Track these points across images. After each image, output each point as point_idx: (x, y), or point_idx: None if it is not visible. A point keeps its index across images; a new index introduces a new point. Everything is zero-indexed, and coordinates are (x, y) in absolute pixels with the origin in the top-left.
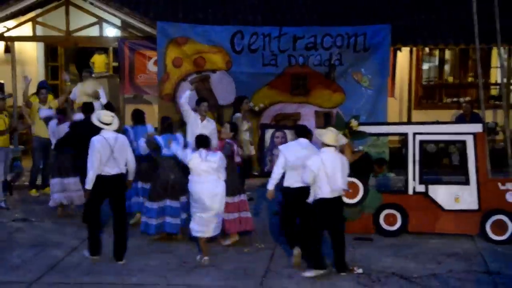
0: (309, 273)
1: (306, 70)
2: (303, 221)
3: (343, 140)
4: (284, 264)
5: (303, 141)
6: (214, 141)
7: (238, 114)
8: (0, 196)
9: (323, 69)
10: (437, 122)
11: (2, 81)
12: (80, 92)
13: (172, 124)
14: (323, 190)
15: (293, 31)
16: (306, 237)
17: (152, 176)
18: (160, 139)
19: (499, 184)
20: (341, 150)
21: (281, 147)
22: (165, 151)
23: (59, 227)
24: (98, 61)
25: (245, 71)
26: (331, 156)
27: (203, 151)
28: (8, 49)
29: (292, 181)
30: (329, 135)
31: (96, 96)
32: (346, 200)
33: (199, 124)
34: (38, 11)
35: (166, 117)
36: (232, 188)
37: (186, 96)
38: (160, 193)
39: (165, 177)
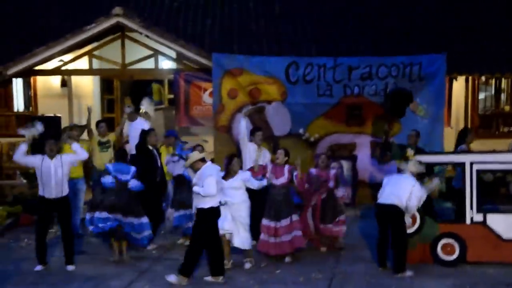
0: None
1: (362, 100)
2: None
3: (421, 168)
4: None
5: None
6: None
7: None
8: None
9: (379, 99)
10: (494, 151)
11: (59, 115)
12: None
13: (126, 154)
14: None
15: (347, 61)
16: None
17: None
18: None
19: None
20: None
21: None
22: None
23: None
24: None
25: (300, 102)
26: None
27: None
28: (64, 83)
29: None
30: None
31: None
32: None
33: (254, 153)
34: (94, 44)
35: (122, 149)
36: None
37: (243, 126)
38: None
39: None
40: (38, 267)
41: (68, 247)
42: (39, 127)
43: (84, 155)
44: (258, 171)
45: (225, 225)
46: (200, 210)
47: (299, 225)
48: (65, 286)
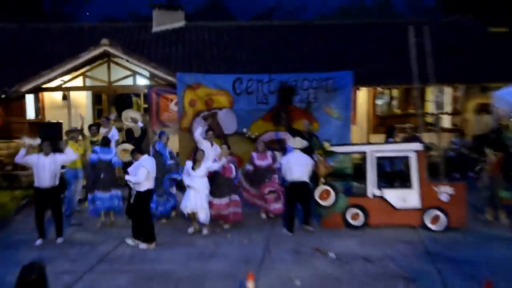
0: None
1: (290, 106)
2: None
3: (304, 143)
4: (276, 251)
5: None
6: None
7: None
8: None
9: (303, 105)
10: (389, 143)
11: (61, 121)
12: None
13: (109, 141)
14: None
15: (279, 77)
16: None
17: None
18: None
19: (434, 187)
20: (317, 165)
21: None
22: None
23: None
24: (134, 101)
25: (243, 108)
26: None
27: None
28: (65, 97)
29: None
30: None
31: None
32: (322, 202)
33: (209, 148)
34: (87, 67)
35: (106, 137)
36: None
37: (199, 131)
38: None
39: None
40: (38, 241)
41: (58, 224)
42: (37, 141)
43: (73, 157)
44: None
45: (188, 205)
46: (139, 192)
47: (238, 203)
48: (69, 249)
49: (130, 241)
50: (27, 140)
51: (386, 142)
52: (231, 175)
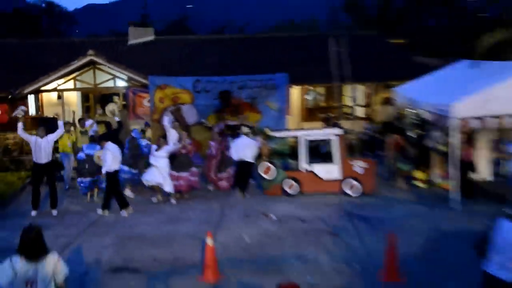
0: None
1: (239, 101)
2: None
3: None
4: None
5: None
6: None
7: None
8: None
9: (249, 100)
10: (316, 129)
11: (56, 116)
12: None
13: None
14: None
15: (230, 78)
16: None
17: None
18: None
19: (351, 162)
20: (261, 148)
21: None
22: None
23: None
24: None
25: (202, 104)
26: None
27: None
28: (59, 97)
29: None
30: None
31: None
32: (264, 175)
33: (174, 134)
34: (77, 73)
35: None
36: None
37: (167, 120)
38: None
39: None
40: (33, 213)
41: (53, 198)
42: (23, 109)
43: (61, 130)
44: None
45: (154, 179)
46: (108, 173)
47: (195, 174)
48: (64, 218)
49: (100, 211)
50: (19, 113)
51: (330, 127)
52: (190, 154)
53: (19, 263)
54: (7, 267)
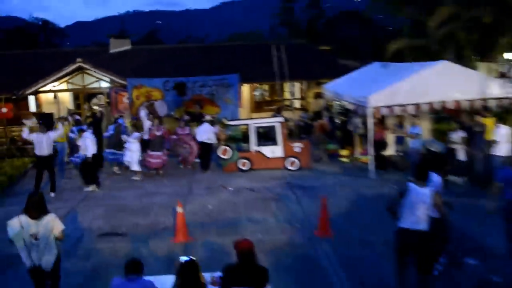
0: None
1: (201, 97)
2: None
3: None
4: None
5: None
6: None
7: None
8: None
9: (210, 96)
10: (261, 118)
11: (52, 112)
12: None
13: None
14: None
15: (193, 79)
16: None
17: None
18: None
19: (291, 144)
20: (218, 134)
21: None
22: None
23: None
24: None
25: (170, 100)
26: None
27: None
28: (55, 96)
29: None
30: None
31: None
32: (222, 156)
33: (149, 126)
34: (69, 76)
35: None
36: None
37: (143, 113)
38: None
39: None
40: None
41: (52, 183)
42: (33, 121)
43: (60, 132)
44: (153, 133)
45: (126, 159)
46: (87, 157)
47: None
48: (64, 193)
49: (87, 188)
50: (27, 122)
51: (273, 116)
52: (162, 138)
53: (25, 220)
54: (16, 222)
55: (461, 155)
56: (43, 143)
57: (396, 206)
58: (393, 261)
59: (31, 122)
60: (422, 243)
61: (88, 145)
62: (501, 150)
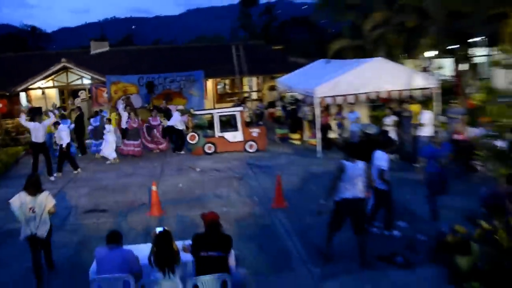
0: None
1: (171, 91)
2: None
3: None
4: (167, 169)
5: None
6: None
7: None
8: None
9: (178, 90)
10: (225, 108)
11: (41, 106)
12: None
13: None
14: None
15: (164, 75)
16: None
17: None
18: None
19: (249, 129)
20: (187, 122)
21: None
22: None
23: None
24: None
25: (145, 93)
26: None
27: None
28: (43, 93)
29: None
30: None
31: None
32: (191, 142)
33: (126, 117)
34: (55, 75)
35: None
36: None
37: (121, 107)
38: None
39: None
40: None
41: (48, 166)
42: (28, 106)
43: (50, 121)
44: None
45: (100, 148)
46: (62, 146)
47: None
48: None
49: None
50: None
51: (237, 105)
52: (138, 129)
53: (24, 196)
54: (16, 199)
55: (393, 135)
56: (39, 131)
57: (336, 181)
58: (329, 225)
59: (26, 107)
60: (359, 209)
61: (62, 136)
62: (425, 132)
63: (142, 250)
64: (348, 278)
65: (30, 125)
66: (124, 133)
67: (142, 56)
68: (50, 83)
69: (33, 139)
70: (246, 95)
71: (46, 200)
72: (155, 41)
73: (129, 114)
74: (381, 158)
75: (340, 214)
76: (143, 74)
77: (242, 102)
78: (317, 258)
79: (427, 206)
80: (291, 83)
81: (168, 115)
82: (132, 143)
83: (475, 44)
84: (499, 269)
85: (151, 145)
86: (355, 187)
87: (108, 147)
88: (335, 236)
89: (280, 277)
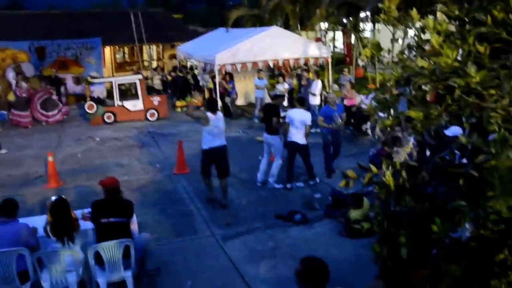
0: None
1: (66, 59)
2: None
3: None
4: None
5: None
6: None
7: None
8: None
9: (74, 58)
10: (122, 76)
11: None
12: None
13: None
14: None
15: (58, 42)
16: None
17: None
18: None
19: (150, 98)
20: (84, 91)
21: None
22: None
23: None
24: None
25: (37, 61)
26: None
27: None
28: None
29: None
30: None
31: None
32: (89, 111)
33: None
34: None
35: None
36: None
37: (11, 75)
38: None
39: None
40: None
41: None
42: None
43: None
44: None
45: None
46: None
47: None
48: None
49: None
50: None
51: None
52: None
53: None
54: None
55: (285, 103)
56: None
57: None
58: (201, 173)
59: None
60: (223, 155)
61: None
62: (316, 101)
63: (38, 221)
64: (250, 236)
65: None
66: (12, 104)
67: (34, 21)
68: None
69: None
70: (146, 63)
71: None
72: (47, 7)
73: (17, 82)
74: (304, 114)
75: (208, 161)
76: (35, 40)
77: (154, 70)
78: (220, 221)
79: (323, 166)
80: (191, 51)
81: (58, 84)
82: (18, 113)
83: (365, 19)
84: (387, 212)
85: (42, 118)
86: (218, 137)
87: None
88: (210, 180)
89: (184, 240)
